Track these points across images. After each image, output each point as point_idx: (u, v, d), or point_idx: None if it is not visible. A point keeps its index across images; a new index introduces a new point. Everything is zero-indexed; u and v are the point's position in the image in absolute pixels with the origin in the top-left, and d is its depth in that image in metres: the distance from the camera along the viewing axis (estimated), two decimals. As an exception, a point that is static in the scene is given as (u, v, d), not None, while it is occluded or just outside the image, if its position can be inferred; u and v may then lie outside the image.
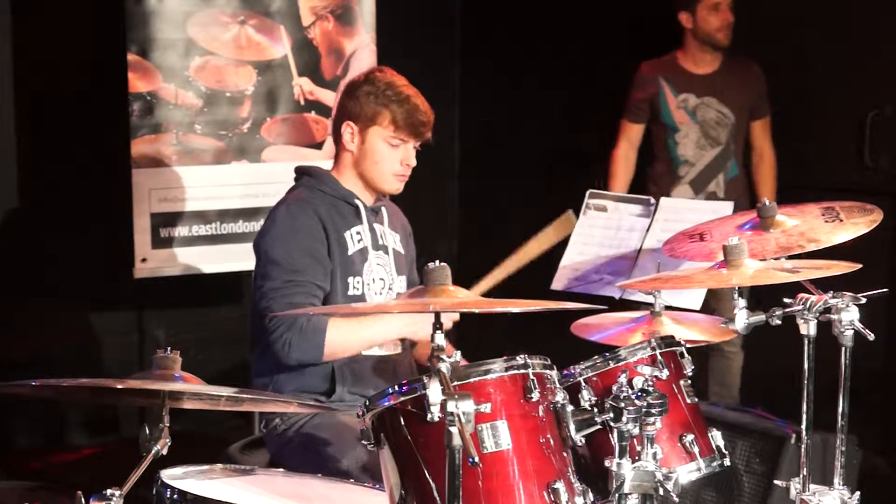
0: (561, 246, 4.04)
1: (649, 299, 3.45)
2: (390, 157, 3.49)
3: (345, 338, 3.38)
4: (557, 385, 2.71)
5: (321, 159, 4.84)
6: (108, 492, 2.48)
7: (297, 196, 3.52)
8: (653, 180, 5.20)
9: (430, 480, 2.52)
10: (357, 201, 3.54)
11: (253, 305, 3.52)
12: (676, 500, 2.64)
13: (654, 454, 2.63)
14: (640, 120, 5.21)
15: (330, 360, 3.40)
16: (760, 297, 3.17)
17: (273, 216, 3.50)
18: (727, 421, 3.87)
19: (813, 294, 2.98)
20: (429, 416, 2.35)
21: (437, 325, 2.48)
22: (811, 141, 5.27)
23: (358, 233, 3.53)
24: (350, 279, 3.49)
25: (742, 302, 2.97)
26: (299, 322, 3.34)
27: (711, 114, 5.11)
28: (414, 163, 3.52)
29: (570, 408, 2.69)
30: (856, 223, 3.24)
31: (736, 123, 5.13)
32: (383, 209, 3.63)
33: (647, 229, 3.96)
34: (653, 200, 4.02)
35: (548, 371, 2.70)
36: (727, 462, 3.05)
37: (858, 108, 5.17)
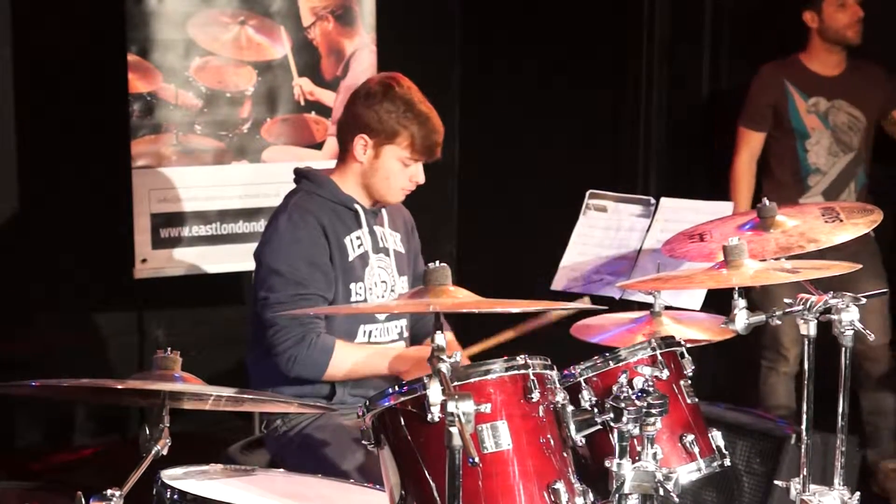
0: (561, 246, 4.04)
1: (649, 299, 3.45)
2: (401, 175, 3.49)
3: (348, 364, 3.40)
4: (558, 385, 2.71)
5: (321, 159, 4.84)
6: (108, 492, 2.48)
7: (297, 203, 3.51)
8: (772, 192, 4.76)
9: (431, 481, 2.52)
10: (357, 206, 3.54)
11: (251, 311, 3.52)
12: (676, 500, 2.64)
13: (655, 454, 2.63)
14: (762, 128, 4.89)
15: (328, 381, 3.42)
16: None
17: (274, 225, 3.48)
18: (727, 421, 3.87)
19: (813, 294, 2.98)
20: (429, 416, 2.35)
21: (438, 325, 2.48)
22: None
23: (358, 237, 3.53)
24: (352, 285, 3.49)
25: (742, 302, 2.97)
26: (308, 339, 3.35)
27: (843, 117, 4.83)
28: (422, 180, 3.52)
29: (570, 408, 2.69)
30: (856, 223, 3.25)
31: (867, 127, 4.86)
32: (383, 211, 3.62)
33: (647, 229, 3.96)
34: (653, 200, 4.02)
35: (548, 371, 2.70)
36: (727, 462, 3.05)
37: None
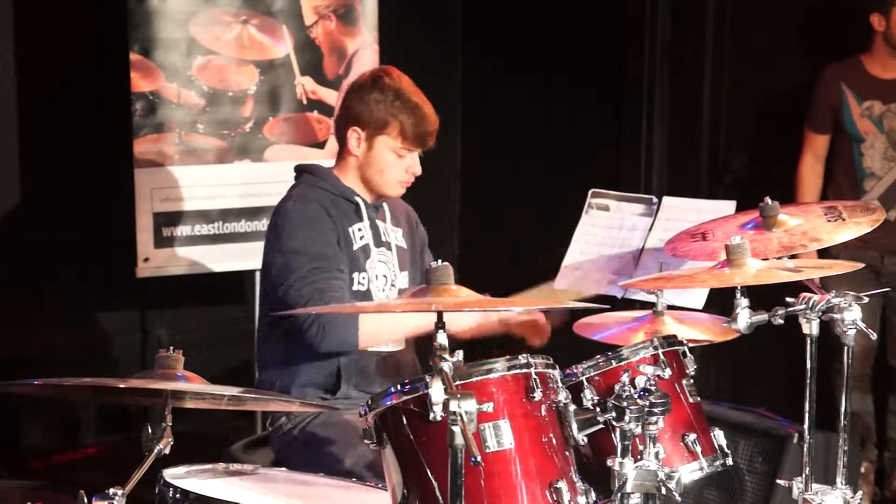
0: (563, 245, 4.04)
1: (652, 299, 3.45)
2: (396, 166, 3.49)
3: (377, 325, 3.36)
4: (560, 384, 2.71)
5: (323, 158, 4.83)
6: (111, 491, 2.48)
7: (301, 192, 3.52)
8: (833, 194, 4.79)
9: (433, 480, 2.52)
10: (358, 199, 3.54)
11: (261, 304, 3.51)
12: (679, 499, 2.64)
13: (657, 453, 2.63)
14: (824, 130, 4.81)
15: (366, 348, 3.38)
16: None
17: (282, 211, 3.48)
18: (729, 420, 3.88)
19: (815, 293, 2.98)
20: (431, 415, 2.35)
21: (440, 324, 2.48)
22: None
23: (360, 230, 3.53)
24: (355, 274, 3.49)
25: (744, 301, 2.97)
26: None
27: None
28: (419, 171, 3.52)
29: (572, 407, 2.69)
30: (858, 222, 3.24)
31: None
32: (384, 205, 3.63)
33: (650, 229, 3.96)
34: (655, 199, 4.02)
35: (550, 370, 2.70)
36: (729, 461, 3.05)
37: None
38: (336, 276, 3.37)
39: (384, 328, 3.39)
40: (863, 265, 3.17)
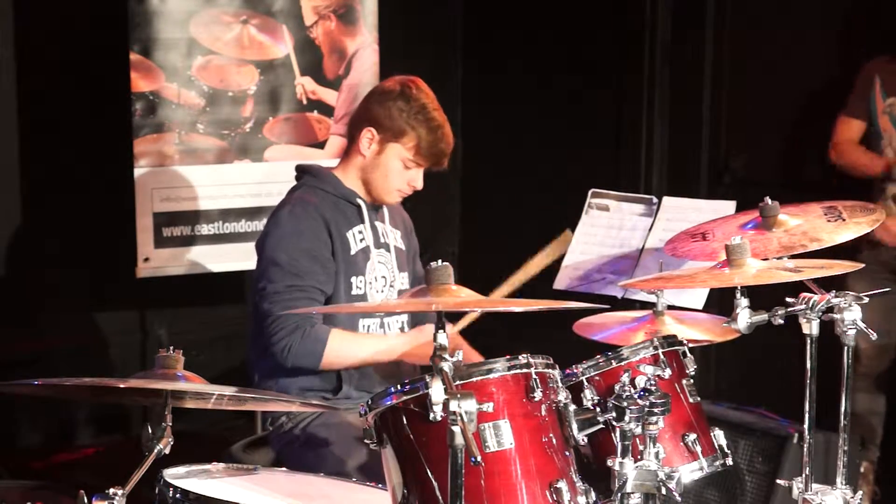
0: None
1: (652, 299, 3.45)
2: (400, 176, 3.50)
3: (344, 351, 3.40)
4: (560, 384, 2.71)
5: (323, 158, 4.84)
6: (111, 491, 2.48)
7: (300, 197, 3.52)
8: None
9: (433, 479, 2.52)
10: (359, 200, 3.55)
11: (252, 305, 3.52)
12: (679, 499, 2.64)
13: (657, 453, 2.63)
14: (859, 116, 4.69)
15: (326, 370, 3.41)
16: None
17: (276, 218, 3.50)
18: (730, 420, 3.88)
19: (815, 293, 2.98)
20: (431, 415, 2.35)
21: (440, 325, 2.48)
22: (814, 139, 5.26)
23: (360, 232, 3.54)
24: (353, 279, 3.50)
25: (744, 301, 2.97)
26: (302, 328, 3.35)
27: None
28: (420, 186, 3.54)
29: (572, 407, 2.69)
30: (858, 222, 3.24)
31: None
32: (384, 206, 3.63)
33: (650, 229, 3.96)
34: (655, 199, 4.02)
35: (550, 370, 2.70)
36: (729, 461, 3.05)
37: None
38: (312, 295, 3.41)
39: (347, 357, 3.42)
40: (862, 265, 3.17)
